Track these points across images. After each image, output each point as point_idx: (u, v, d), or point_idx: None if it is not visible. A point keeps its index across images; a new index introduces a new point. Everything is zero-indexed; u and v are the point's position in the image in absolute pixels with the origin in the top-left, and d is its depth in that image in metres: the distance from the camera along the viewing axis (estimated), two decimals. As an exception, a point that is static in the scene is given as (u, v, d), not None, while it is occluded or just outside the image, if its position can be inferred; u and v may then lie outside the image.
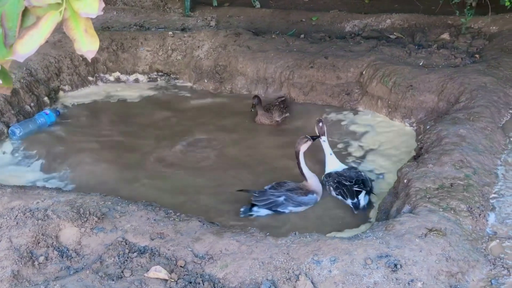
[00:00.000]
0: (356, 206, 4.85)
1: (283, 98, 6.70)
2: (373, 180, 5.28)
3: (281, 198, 4.90)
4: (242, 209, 4.90)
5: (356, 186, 4.89)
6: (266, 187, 5.05)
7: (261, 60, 7.15)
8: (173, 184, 5.44)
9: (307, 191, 5.01)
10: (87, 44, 1.87)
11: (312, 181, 5.06)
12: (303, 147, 5.02)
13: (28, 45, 1.82)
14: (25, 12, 1.88)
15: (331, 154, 5.37)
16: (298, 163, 5.06)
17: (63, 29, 1.88)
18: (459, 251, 3.54)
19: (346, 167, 5.30)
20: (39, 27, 1.82)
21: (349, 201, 4.89)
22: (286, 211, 4.91)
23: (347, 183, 4.94)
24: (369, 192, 4.95)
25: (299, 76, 6.92)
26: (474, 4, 7.68)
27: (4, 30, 1.87)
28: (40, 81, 6.86)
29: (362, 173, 5.16)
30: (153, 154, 5.96)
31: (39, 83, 6.82)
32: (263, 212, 4.90)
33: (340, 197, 5.00)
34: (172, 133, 6.36)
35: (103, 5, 1.83)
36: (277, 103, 6.48)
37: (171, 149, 6.06)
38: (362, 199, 4.90)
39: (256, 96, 6.47)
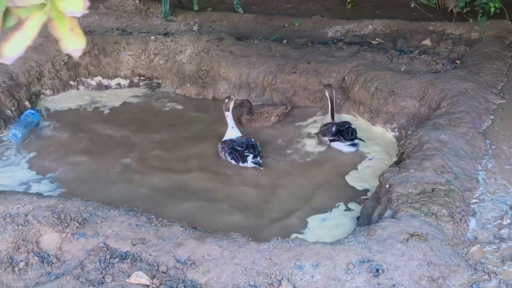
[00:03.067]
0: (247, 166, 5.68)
1: (281, 109, 6.67)
2: None
3: (352, 126, 5.92)
4: (350, 146, 5.83)
5: (246, 151, 5.64)
6: (334, 128, 5.90)
7: (244, 65, 7.15)
8: (155, 189, 5.43)
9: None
10: (73, 43, 1.86)
11: (337, 119, 6.10)
12: (333, 92, 6.09)
13: (15, 47, 1.81)
14: (7, 12, 1.86)
15: (232, 127, 6.02)
16: (332, 107, 6.09)
17: (48, 30, 1.87)
18: (440, 256, 3.56)
19: (241, 135, 5.97)
20: (25, 28, 1.80)
21: (241, 164, 5.67)
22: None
23: (239, 149, 5.67)
24: (256, 155, 5.66)
25: (281, 81, 6.93)
26: (455, 11, 7.75)
27: None
28: (21, 85, 6.80)
29: (253, 140, 5.84)
30: (135, 159, 5.94)
31: (20, 88, 6.76)
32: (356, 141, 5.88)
33: (233, 161, 5.74)
34: (154, 137, 6.35)
35: (88, 3, 1.81)
36: (266, 112, 6.56)
37: (154, 153, 6.04)
38: (250, 161, 5.64)
39: (247, 101, 6.62)
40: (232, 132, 5.98)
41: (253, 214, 5.06)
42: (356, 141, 5.86)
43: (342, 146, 5.88)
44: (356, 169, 5.64)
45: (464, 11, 7.53)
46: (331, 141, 5.95)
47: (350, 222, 4.84)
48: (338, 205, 5.08)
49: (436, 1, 7.39)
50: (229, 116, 6.01)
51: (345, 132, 5.82)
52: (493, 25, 7.13)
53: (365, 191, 5.26)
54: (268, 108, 6.64)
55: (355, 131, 5.87)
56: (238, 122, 6.45)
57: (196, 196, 5.32)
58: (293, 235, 4.46)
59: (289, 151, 6.04)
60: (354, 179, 5.47)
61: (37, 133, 6.40)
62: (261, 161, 5.67)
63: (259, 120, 6.49)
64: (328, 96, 6.11)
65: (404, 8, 7.99)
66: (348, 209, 5.04)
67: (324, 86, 6.31)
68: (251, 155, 5.64)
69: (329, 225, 4.84)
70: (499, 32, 7.03)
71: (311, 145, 6.11)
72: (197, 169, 5.77)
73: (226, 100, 6.05)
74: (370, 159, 5.76)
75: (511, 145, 5.02)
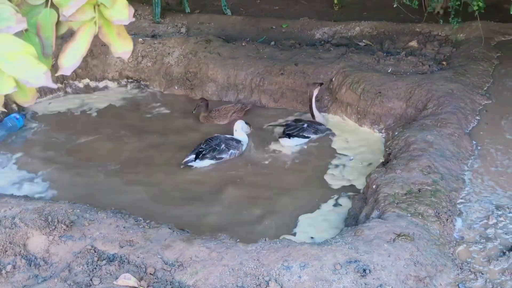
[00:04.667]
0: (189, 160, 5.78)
1: (238, 107, 6.80)
2: None
3: (305, 125, 6.06)
4: (283, 140, 6.03)
5: (199, 149, 5.78)
6: (288, 123, 6.24)
7: (232, 66, 7.15)
8: (144, 190, 5.43)
9: (319, 123, 6.23)
10: (121, 46, 1.95)
11: (320, 118, 6.29)
12: (315, 91, 6.20)
13: (71, 58, 1.90)
14: (58, 22, 1.92)
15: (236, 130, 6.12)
16: (310, 105, 6.22)
17: (99, 36, 1.93)
18: (427, 256, 3.58)
19: (233, 136, 6.06)
20: (77, 40, 1.87)
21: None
22: (311, 136, 6.10)
23: (201, 145, 5.83)
24: (199, 157, 5.74)
25: (269, 83, 6.94)
26: (441, 12, 7.81)
27: (42, 40, 1.90)
28: (8, 87, 6.76)
29: (223, 145, 5.86)
30: (124, 161, 5.94)
31: (7, 90, 6.72)
32: (301, 141, 6.06)
33: None
34: (141, 140, 6.34)
35: (133, 11, 1.87)
36: (224, 109, 6.68)
37: (142, 155, 6.04)
38: (189, 157, 5.75)
39: (203, 99, 6.74)
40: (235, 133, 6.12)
41: (238, 214, 5.08)
42: (302, 139, 6.04)
43: (281, 139, 6.08)
44: (343, 167, 5.69)
45: (436, 11, 7.61)
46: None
47: (337, 218, 4.89)
48: (324, 203, 5.13)
49: (420, 2, 7.44)
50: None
51: (287, 127, 6.08)
52: (479, 26, 7.17)
53: (351, 188, 5.32)
54: (226, 106, 6.76)
55: (302, 129, 6.02)
56: (197, 119, 6.67)
57: (185, 196, 5.32)
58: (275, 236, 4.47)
59: (271, 151, 6.09)
60: (334, 178, 5.54)
61: (24, 136, 6.38)
62: (191, 161, 5.73)
63: (217, 117, 6.62)
64: (313, 95, 6.22)
65: (391, 10, 8.01)
66: (337, 205, 5.09)
67: (308, 84, 6.43)
68: (193, 155, 5.75)
69: (314, 222, 4.88)
70: (484, 33, 7.06)
71: (290, 145, 6.11)
72: (186, 170, 5.77)
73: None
74: (351, 159, 5.80)
75: (497, 146, 5.06)
